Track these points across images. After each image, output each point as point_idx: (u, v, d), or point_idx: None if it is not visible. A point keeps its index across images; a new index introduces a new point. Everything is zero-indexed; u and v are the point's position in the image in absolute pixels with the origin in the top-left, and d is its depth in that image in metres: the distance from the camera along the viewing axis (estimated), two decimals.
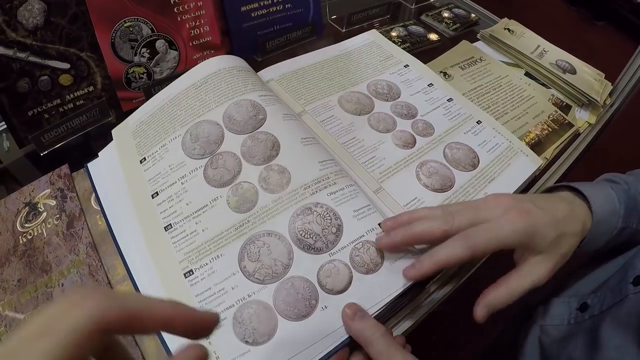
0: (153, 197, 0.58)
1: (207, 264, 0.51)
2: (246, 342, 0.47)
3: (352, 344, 0.47)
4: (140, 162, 0.61)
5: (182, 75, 0.67)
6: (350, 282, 0.50)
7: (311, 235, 0.52)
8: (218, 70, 0.66)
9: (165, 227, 0.55)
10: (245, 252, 0.52)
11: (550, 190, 0.60)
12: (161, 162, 0.60)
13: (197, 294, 0.50)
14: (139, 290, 0.52)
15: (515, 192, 0.67)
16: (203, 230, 0.54)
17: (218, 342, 0.47)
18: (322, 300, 0.49)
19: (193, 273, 0.51)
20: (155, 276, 0.52)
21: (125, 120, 0.66)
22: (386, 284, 0.51)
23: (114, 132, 0.66)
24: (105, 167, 0.63)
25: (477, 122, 0.74)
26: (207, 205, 0.55)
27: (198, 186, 0.57)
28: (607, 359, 0.48)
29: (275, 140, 0.60)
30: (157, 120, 0.64)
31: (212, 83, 0.65)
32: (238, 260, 0.51)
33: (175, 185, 0.58)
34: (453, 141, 0.70)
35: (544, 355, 0.59)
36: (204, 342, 0.47)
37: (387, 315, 0.55)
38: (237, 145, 0.59)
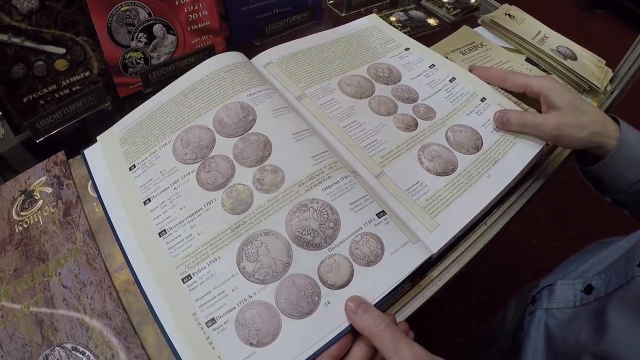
0: (145, 204, 0.57)
1: (205, 267, 0.51)
2: (250, 344, 0.46)
3: (355, 332, 0.47)
4: (130, 169, 0.60)
5: (171, 84, 0.67)
6: (351, 276, 0.50)
7: (309, 232, 0.52)
8: (206, 76, 0.66)
9: (159, 233, 0.54)
10: (243, 253, 0.51)
11: None
12: (152, 169, 0.59)
13: (196, 299, 0.49)
14: (137, 279, 0.52)
15: (519, 173, 0.66)
16: (199, 234, 0.53)
17: (222, 346, 0.47)
18: (325, 296, 0.49)
19: (191, 278, 0.51)
20: (153, 283, 0.52)
21: (111, 128, 0.66)
22: (388, 274, 0.50)
23: (99, 138, 0.65)
24: (97, 162, 0.63)
25: (481, 100, 0.72)
26: (201, 208, 0.55)
27: (191, 190, 0.57)
28: (614, 340, 0.49)
29: (267, 140, 0.59)
30: (145, 127, 0.64)
31: (200, 89, 0.65)
32: (237, 261, 0.51)
33: (167, 191, 0.57)
34: (456, 124, 0.69)
35: (549, 338, 0.59)
36: (206, 345, 0.46)
37: (389, 302, 0.55)
38: (229, 148, 0.59)
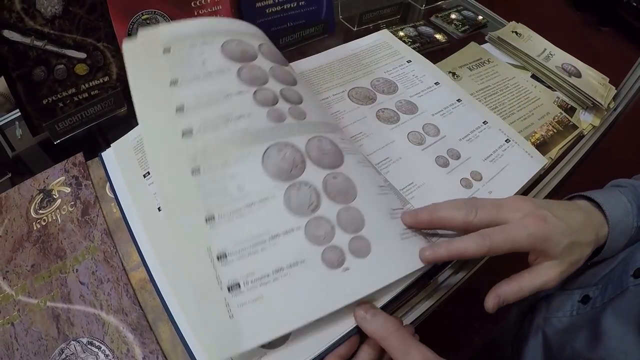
0: (160, 210, 0.58)
1: None
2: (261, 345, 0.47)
3: (362, 334, 0.48)
4: (144, 176, 0.61)
5: None
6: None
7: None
8: None
9: None
10: None
11: (569, 199, 0.60)
12: None
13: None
14: (152, 277, 0.53)
15: (519, 191, 0.66)
16: None
17: None
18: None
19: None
20: (167, 284, 0.53)
21: (125, 136, 0.66)
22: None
23: (113, 146, 0.66)
24: (114, 165, 0.64)
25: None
26: None
27: None
28: (608, 348, 0.50)
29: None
30: None
31: None
32: None
33: None
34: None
35: (547, 346, 0.60)
36: None
37: (396, 306, 0.56)
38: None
